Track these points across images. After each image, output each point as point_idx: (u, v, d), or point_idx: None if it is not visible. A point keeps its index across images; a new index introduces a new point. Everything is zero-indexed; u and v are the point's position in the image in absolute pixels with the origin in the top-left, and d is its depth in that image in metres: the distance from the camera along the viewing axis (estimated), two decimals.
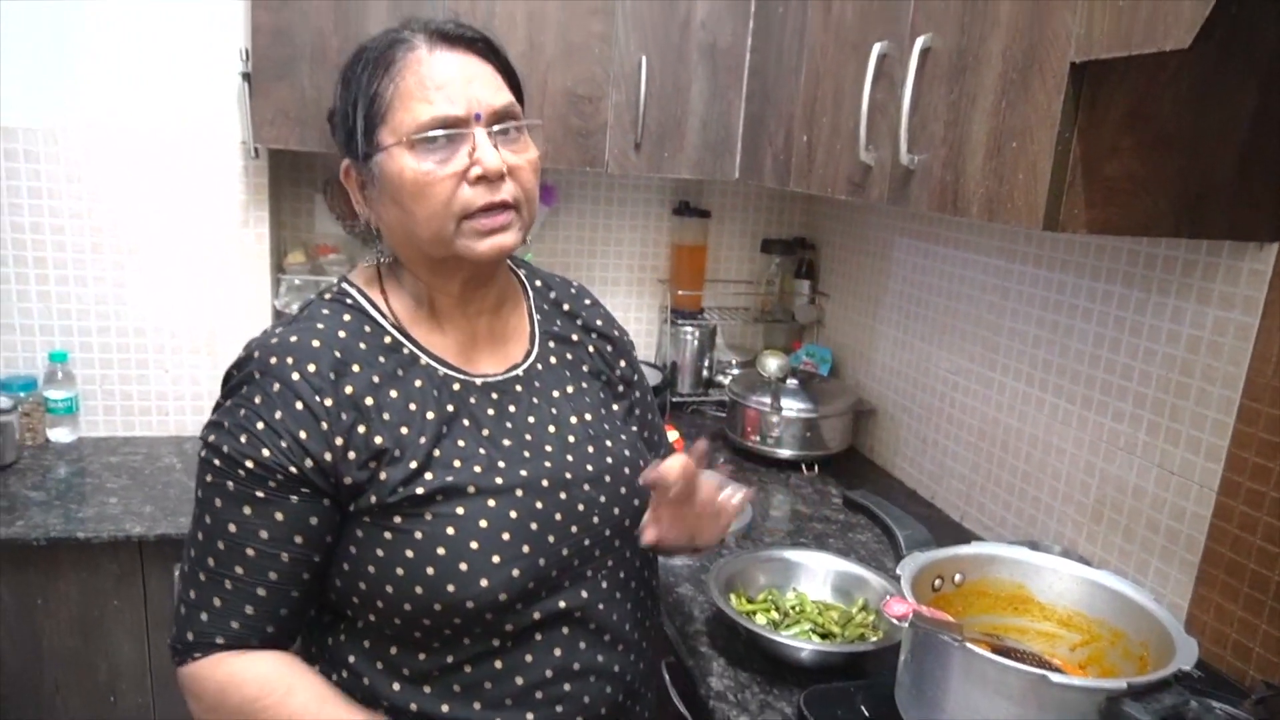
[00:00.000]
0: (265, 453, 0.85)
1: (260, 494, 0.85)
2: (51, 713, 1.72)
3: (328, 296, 0.97)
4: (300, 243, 2.23)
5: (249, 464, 0.85)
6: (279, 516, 0.86)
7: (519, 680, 0.91)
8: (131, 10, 1.89)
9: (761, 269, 2.60)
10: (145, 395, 2.08)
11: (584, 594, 0.95)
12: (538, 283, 1.12)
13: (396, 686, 0.90)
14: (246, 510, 0.86)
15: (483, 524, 0.88)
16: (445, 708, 0.90)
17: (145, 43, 1.92)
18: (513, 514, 0.90)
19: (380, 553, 0.87)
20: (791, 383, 2.12)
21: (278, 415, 0.85)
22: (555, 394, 1.03)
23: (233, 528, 0.86)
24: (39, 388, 1.98)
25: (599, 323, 1.13)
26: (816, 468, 2.08)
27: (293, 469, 0.85)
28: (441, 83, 0.88)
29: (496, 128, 0.90)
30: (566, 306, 1.12)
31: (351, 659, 0.92)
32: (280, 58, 1.79)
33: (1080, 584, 1.09)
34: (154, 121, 1.95)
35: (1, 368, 1.98)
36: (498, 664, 0.91)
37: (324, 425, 0.86)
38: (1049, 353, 1.61)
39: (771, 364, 2.19)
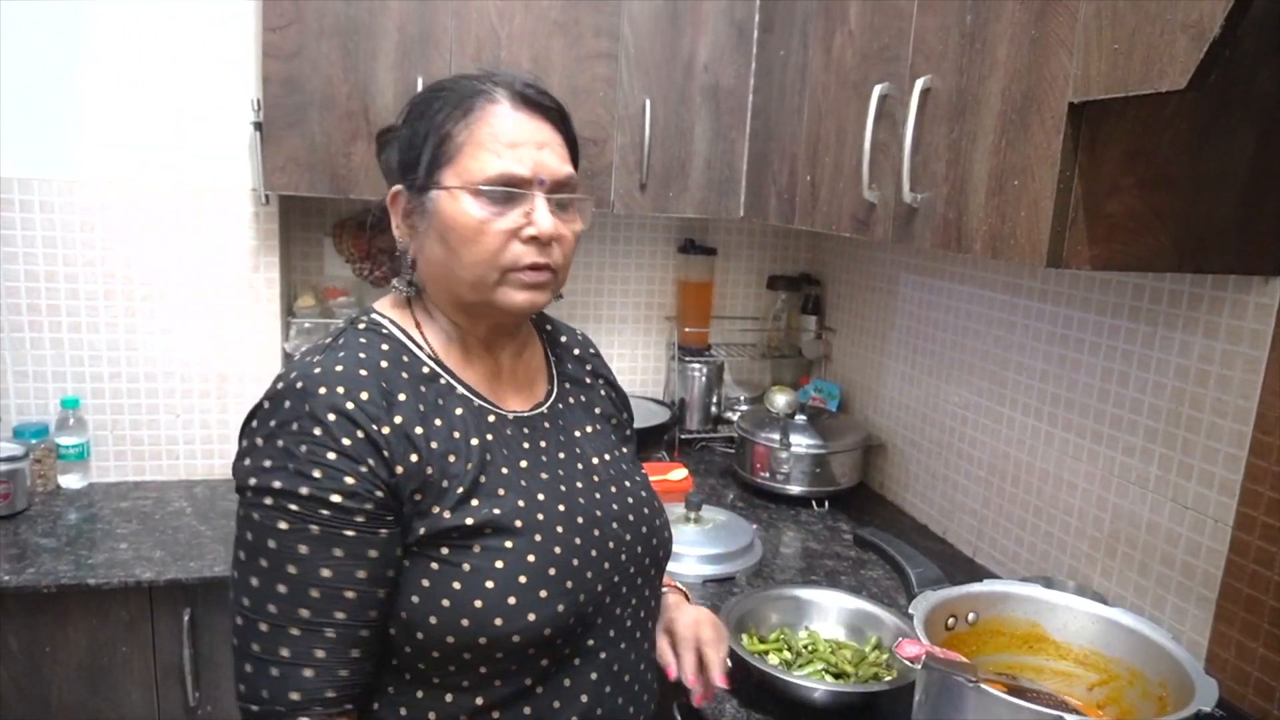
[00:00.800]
0: (350, 481, 0.82)
1: (350, 533, 0.82)
2: None
3: (361, 326, 0.96)
4: (310, 286, 2.25)
5: (335, 498, 0.81)
6: (373, 554, 0.83)
7: None
8: (144, 62, 1.93)
9: (768, 305, 2.61)
10: (155, 440, 2.09)
11: (612, 633, 0.96)
12: (549, 327, 1.14)
13: None
14: (338, 552, 0.82)
15: (530, 558, 0.88)
16: None
17: (157, 93, 1.96)
18: (557, 549, 0.90)
19: (426, 583, 0.86)
20: (800, 418, 2.12)
21: (346, 442, 0.82)
22: (576, 434, 1.04)
23: (327, 573, 0.82)
24: (50, 434, 1.99)
25: (605, 372, 1.16)
26: (826, 504, 2.07)
27: (379, 493, 0.83)
28: (515, 142, 0.91)
29: (556, 196, 0.93)
30: (577, 352, 1.14)
31: (375, 705, 0.90)
32: (290, 106, 1.82)
33: (1096, 622, 1.08)
34: (166, 170, 1.99)
35: (14, 414, 2.00)
36: (526, 710, 0.90)
37: (385, 453, 0.84)
38: (1057, 387, 1.61)
39: (780, 400, 2.19)
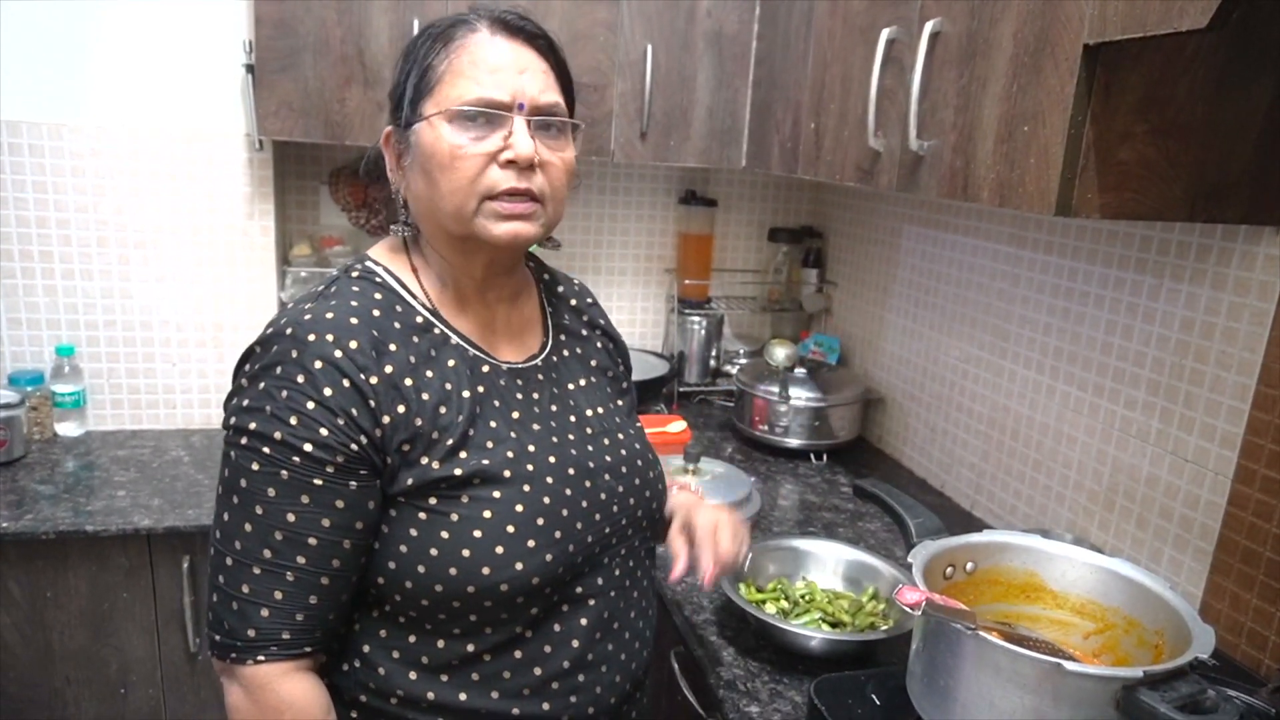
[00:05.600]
0: (324, 432, 0.82)
1: (319, 481, 0.83)
2: (62, 707, 1.72)
3: (354, 274, 0.94)
4: (305, 235, 2.23)
5: (307, 447, 0.82)
6: (339, 504, 0.84)
7: (537, 671, 0.91)
8: (135, 3, 1.88)
9: (769, 258, 2.59)
10: (152, 389, 2.08)
11: (601, 582, 0.96)
12: (546, 276, 1.12)
13: (413, 676, 0.89)
14: (305, 499, 0.83)
15: (519, 508, 0.88)
16: (463, 696, 0.89)
17: (148, 35, 1.91)
18: (546, 500, 0.90)
19: (414, 533, 0.86)
20: (799, 372, 2.11)
21: (328, 392, 0.82)
22: (570, 386, 1.03)
23: (291, 517, 0.83)
24: (46, 382, 1.98)
25: (602, 321, 1.14)
26: (825, 457, 2.08)
27: (353, 445, 0.83)
28: (494, 67, 0.88)
29: (537, 119, 0.90)
30: (573, 302, 1.12)
31: (365, 648, 0.91)
32: (283, 49, 1.78)
33: (1094, 572, 1.08)
34: (158, 114, 1.95)
35: (9, 362, 1.99)
36: (517, 654, 0.90)
37: (372, 404, 0.84)
38: (1060, 340, 1.60)
39: (779, 353, 2.18)
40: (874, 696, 1.12)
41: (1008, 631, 1.03)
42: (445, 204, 0.89)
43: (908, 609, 0.91)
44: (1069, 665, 0.85)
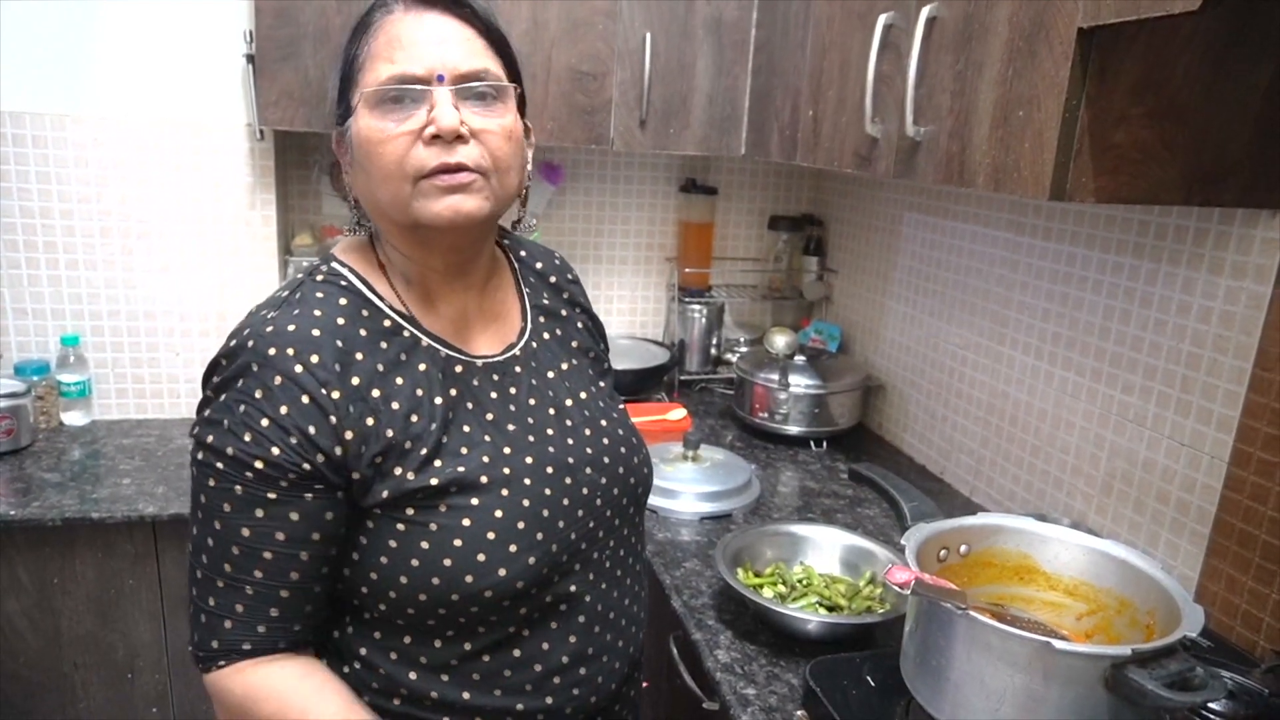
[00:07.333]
0: (275, 451, 0.80)
1: (272, 495, 0.81)
2: (71, 692, 1.75)
3: (319, 278, 0.90)
4: (307, 225, 2.24)
5: (258, 464, 0.80)
6: (294, 517, 0.82)
7: (537, 668, 0.91)
8: None
9: (769, 246, 2.59)
10: (156, 378, 2.10)
11: (591, 575, 0.95)
12: (522, 253, 1.08)
13: (413, 675, 0.89)
14: (259, 513, 0.82)
15: (498, 514, 0.87)
16: (466, 695, 0.89)
17: (150, 26, 1.92)
18: (525, 502, 0.89)
19: (393, 544, 0.85)
20: (799, 359, 2.11)
21: (283, 410, 0.80)
22: (550, 374, 1.01)
23: (246, 532, 0.82)
24: (52, 371, 1.99)
25: (582, 299, 1.12)
26: (825, 444, 2.08)
27: (305, 465, 0.81)
28: (409, 43, 0.85)
29: (463, 88, 0.85)
30: (553, 279, 1.09)
31: (363, 650, 0.90)
32: (283, 39, 1.78)
33: (1087, 553, 1.09)
34: (160, 105, 1.96)
35: (14, 352, 2.00)
36: (516, 653, 0.90)
37: (333, 419, 0.82)
38: (1058, 326, 1.60)
39: (779, 341, 2.18)
40: (869, 678, 1.13)
41: (999, 612, 1.04)
42: (381, 194, 0.86)
43: (897, 588, 0.92)
44: (1058, 644, 0.86)
